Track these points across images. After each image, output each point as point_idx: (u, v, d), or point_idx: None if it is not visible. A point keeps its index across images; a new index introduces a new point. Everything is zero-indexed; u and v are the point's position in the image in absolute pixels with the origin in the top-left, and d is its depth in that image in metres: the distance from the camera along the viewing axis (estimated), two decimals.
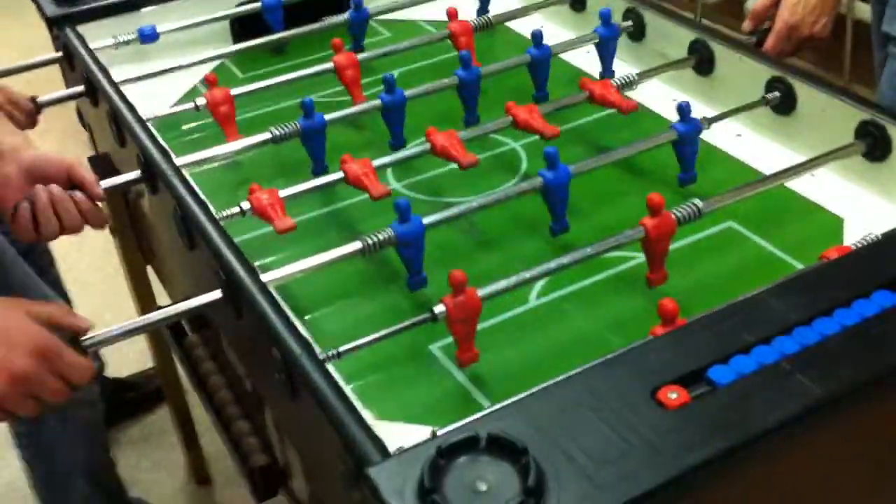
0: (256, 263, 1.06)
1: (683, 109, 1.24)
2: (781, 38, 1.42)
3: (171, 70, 1.55)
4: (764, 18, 1.46)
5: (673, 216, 1.07)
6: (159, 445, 2.19)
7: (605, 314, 1.09)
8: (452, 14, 1.58)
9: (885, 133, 1.20)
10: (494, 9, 1.71)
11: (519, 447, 0.71)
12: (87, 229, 1.24)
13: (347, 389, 0.87)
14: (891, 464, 0.91)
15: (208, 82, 1.44)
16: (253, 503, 1.20)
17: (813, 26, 1.42)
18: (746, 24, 1.48)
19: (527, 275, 1.03)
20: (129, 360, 2.25)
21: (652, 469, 0.71)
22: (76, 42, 1.56)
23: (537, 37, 1.45)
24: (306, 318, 1.12)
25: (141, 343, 2.04)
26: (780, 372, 0.79)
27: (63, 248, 2.03)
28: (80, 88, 1.52)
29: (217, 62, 1.67)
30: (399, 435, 0.88)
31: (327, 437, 0.84)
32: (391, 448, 0.80)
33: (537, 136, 1.30)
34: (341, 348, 0.96)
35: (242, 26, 1.73)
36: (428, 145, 1.26)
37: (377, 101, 1.36)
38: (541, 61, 1.45)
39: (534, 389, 0.80)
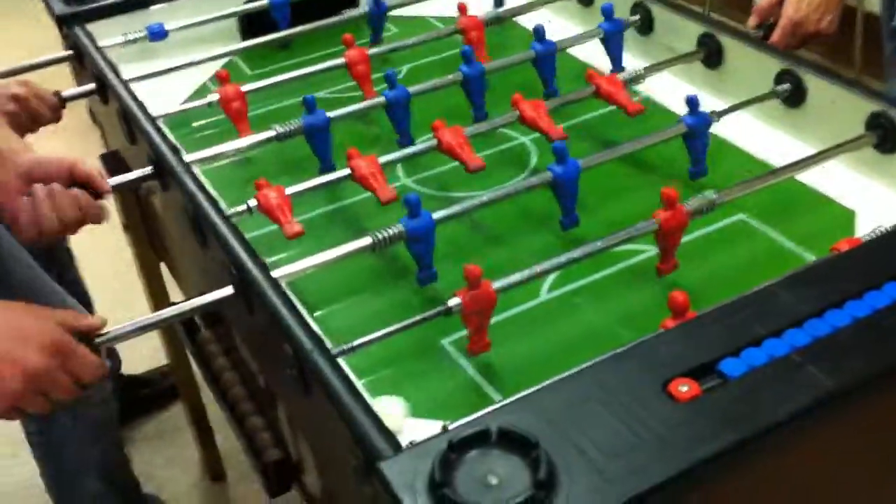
0: (266, 260, 1.06)
1: (692, 102, 1.24)
2: (786, 34, 1.41)
3: (181, 67, 1.55)
4: (769, 15, 1.46)
5: (686, 209, 1.07)
6: (173, 442, 2.19)
7: (616, 308, 1.09)
8: (462, 9, 1.58)
9: None
10: (509, 3, 1.70)
11: (530, 441, 0.71)
12: (100, 227, 1.24)
13: (359, 384, 0.88)
14: None
15: (220, 79, 1.44)
16: (266, 499, 1.21)
17: (818, 23, 1.41)
18: (751, 20, 1.48)
19: (539, 268, 1.03)
20: (142, 357, 2.26)
21: (662, 462, 0.71)
22: (85, 40, 1.57)
23: (539, 32, 1.45)
24: (316, 314, 1.12)
25: (154, 340, 2.05)
26: (792, 364, 0.79)
27: (76, 246, 2.04)
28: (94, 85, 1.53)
29: (226, 59, 1.68)
30: (410, 429, 0.88)
31: (339, 432, 0.84)
32: (403, 442, 0.80)
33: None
34: (354, 343, 0.96)
35: (251, 23, 1.73)
36: (435, 141, 1.26)
37: (381, 98, 1.37)
38: (545, 56, 1.44)
39: (544, 383, 0.80)
